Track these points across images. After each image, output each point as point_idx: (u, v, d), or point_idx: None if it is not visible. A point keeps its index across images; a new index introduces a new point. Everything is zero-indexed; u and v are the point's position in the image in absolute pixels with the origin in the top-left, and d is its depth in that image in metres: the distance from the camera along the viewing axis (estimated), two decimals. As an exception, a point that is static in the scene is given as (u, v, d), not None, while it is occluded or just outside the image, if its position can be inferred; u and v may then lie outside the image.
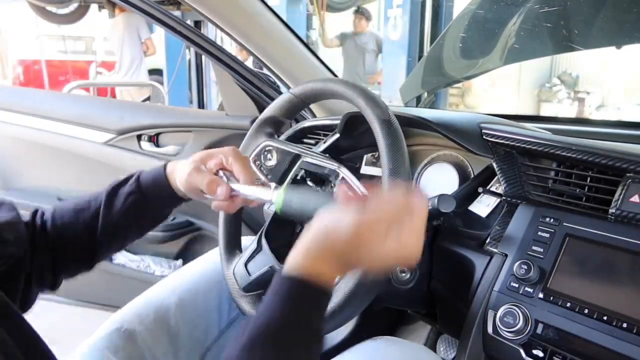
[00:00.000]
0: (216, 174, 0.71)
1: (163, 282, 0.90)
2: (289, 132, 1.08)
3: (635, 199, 0.66)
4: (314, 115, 1.34)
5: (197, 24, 3.38)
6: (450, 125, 0.87)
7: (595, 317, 0.63)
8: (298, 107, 0.90)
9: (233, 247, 0.92)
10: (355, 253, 0.52)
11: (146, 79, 4.59)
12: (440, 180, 0.97)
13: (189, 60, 4.14)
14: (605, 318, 0.63)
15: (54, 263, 0.71)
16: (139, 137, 1.58)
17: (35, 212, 0.73)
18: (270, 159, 0.92)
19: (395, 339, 0.78)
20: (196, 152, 0.74)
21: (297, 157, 0.92)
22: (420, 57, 3.79)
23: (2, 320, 0.49)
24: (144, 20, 4.42)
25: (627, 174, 0.68)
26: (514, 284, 0.72)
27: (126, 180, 0.74)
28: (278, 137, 0.98)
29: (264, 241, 0.87)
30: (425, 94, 1.73)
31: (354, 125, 0.96)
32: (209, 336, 0.88)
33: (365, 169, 1.09)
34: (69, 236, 0.71)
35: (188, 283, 0.90)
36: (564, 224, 0.72)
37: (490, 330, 0.72)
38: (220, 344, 0.90)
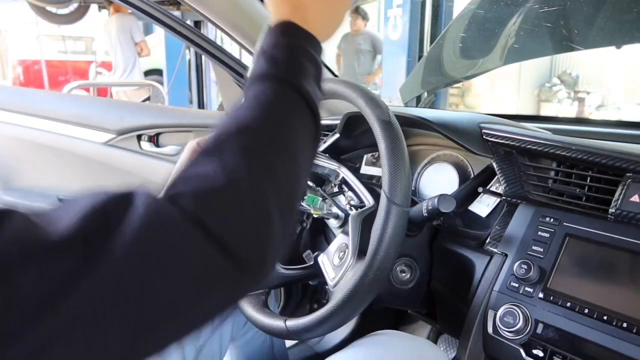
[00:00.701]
0: None
1: None
2: (288, 132, 1.08)
3: (635, 198, 0.66)
4: (314, 115, 1.33)
5: (197, 24, 3.38)
6: (450, 125, 0.87)
7: (595, 317, 0.63)
8: (298, 107, 0.90)
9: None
10: None
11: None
12: (440, 180, 0.97)
13: (189, 60, 4.14)
14: (605, 318, 0.62)
15: None
16: (139, 137, 1.58)
17: None
18: (270, 159, 0.92)
19: (399, 332, 0.78)
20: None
21: (297, 157, 0.92)
22: (420, 57, 3.78)
23: None
24: (137, 23, 4.41)
25: (627, 174, 0.68)
26: (514, 284, 0.72)
27: None
28: (278, 137, 0.98)
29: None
30: (425, 94, 1.73)
31: (354, 125, 0.96)
32: (203, 333, 0.88)
33: (365, 169, 1.09)
34: None
35: None
36: (564, 223, 0.72)
37: (490, 330, 0.72)
38: (214, 340, 0.90)
